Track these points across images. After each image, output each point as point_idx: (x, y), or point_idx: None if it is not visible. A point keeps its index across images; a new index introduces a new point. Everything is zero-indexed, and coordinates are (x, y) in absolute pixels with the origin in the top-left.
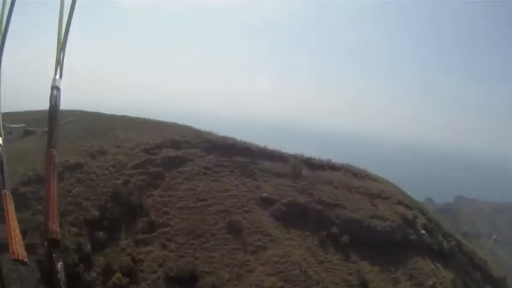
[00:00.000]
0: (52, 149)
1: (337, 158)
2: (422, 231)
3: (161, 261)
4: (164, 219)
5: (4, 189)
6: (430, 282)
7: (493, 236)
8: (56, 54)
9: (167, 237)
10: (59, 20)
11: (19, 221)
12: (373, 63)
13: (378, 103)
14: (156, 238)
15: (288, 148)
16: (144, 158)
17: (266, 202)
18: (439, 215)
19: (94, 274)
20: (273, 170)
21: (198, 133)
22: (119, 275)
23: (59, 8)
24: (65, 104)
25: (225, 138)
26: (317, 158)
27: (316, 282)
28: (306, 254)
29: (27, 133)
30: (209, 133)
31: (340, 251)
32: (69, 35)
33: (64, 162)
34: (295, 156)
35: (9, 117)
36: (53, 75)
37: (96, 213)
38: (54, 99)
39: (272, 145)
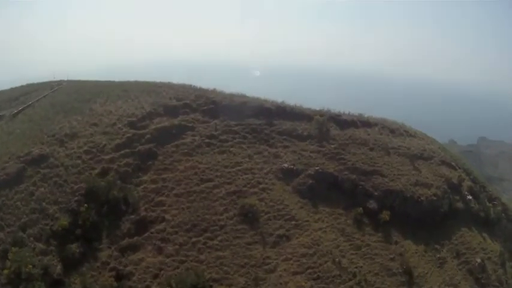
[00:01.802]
0: None
1: (354, 103)
2: (469, 197)
3: (156, 270)
4: (158, 213)
5: None
6: (478, 260)
7: None
8: None
9: (163, 237)
10: None
11: None
12: None
13: (387, 42)
14: (148, 240)
15: (307, 99)
16: (128, 135)
17: (288, 174)
18: (463, 158)
19: None
20: (294, 132)
21: (199, 93)
22: None
23: None
24: None
25: (232, 96)
26: (347, 112)
27: (352, 275)
28: (339, 238)
29: None
30: (213, 91)
31: (379, 230)
32: None
33: (25, 156)
34: (320, 112)
35: None
36: None
37: (67, 220)
38: None
39: (291, 97)
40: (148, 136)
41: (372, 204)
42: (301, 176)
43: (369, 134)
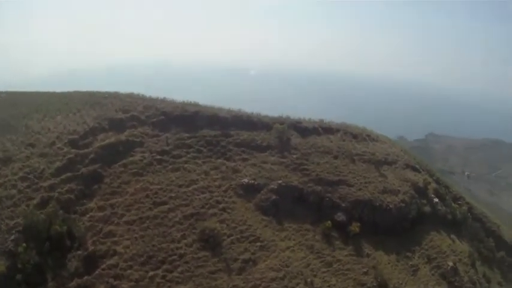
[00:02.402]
0: None
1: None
2: (436, 200)
3: None
4: (108, 246)
5: None
6: (450, 263)
7: (466, 173)
8: None
9: (116, 274)
10: None
11: None
12: None
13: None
14: (99, 278)
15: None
16: (69, 156)
17: (249, 190)
18: (412, 153)
19: None
20: (252, 142)
21: (147, 103)
22: None
23: None
24: None
25: (184, 105)
26: (306, 119)
27: None
28: (308, 256)
29: None
30: (163, 100)
31: (349, 243)
32: None
33: None
34: (280, 120)
35: None
36: None
37: (3, 264)
38: None
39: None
40: (92, 156)
41: (341, 217)
42: (264, 191)
43: (331, 141)
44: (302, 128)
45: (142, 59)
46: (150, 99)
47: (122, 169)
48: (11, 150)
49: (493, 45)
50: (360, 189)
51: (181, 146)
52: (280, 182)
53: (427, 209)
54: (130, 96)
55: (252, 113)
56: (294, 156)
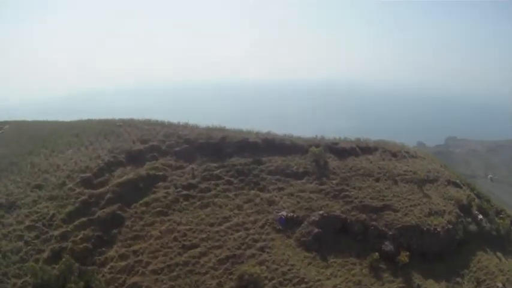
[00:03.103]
0: None
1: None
2: (480, 216)
3: None
4: None
5: None
6: (500, 284)
7: (489, 176)
8: None
9: None
10: None
11: None
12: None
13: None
14: None
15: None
16: (82, 198)
17: (288, 224)
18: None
19: None
20: (287, 169)
21: (168, 130)
22: None
23: None
24: None
25: (209, 130)
26: (342, 138)
27: None
28: None
29: None
30: (185, 126)
31: (398, 274)
32: None
33: None
34: (314, 142)
35: None
36: None
37: None
38: None
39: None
40: (109, 196)
41: (388, 246)
42: (304, 225)
43: (371, 162)
44: (339, 150)
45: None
46: (170, 125)
47: (144, 209)
48: (15, 193)
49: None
50: (406, 214)
51: (209, 178)
52: (321, 212)
53: (472, 227)
54: (148, 122)
55: (284, 136)
56: (334, 181)
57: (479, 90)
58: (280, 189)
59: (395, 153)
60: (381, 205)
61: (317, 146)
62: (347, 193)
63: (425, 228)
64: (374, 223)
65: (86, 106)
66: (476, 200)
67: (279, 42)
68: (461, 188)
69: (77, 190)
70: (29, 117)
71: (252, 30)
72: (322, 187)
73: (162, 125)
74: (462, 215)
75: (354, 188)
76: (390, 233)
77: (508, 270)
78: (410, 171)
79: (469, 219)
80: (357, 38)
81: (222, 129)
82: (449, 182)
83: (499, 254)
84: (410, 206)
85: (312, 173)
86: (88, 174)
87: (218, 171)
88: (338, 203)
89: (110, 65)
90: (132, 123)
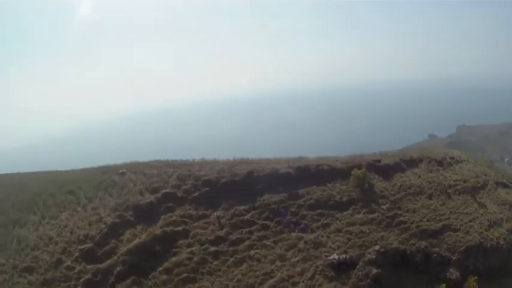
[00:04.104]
0: None
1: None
2: None
3: None
4: None
5: None
6: None
7: (506, 159)
8: None
9: None
10: None
11: None
12: None
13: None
14: None
15: None
16: (86, 277)
17: (341, 268)
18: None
19: None
20: (330, 199)
21: (181, 172)
22: None
23: None
24: None
25: (231, 164)
26: (381, 153)
27: None
28: None
29: None
30: (201, 162)
31: None
32: None
33: None
34: (353, 161)
35: None
36: None
37: None
38: None
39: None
40: (119, 269)
41: (454, 274)
42: (360, 266)
43: (419, 177)
44: (383, 167)
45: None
46: (184, 164)
47: (166, 277)
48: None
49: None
50: (467, 232)
51: (240, 226)
52: (377, 248)
53: None
54: (156, 164)
55: (319, 159)
56: (384, 207)
57: (477, 76)
58: (325, 225)
59: (440, 161)
60: (439, 226)
61: (358, 167)
62: (401, 218)
63: (488, 245)
64: (436, 249)
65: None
66: None
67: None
68: (510, 187)
69: (77, 268)
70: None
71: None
72: (373, 216)
73: (173, 165)
74: None
75: (408, 211)
76: (454, 257)
77: None
78: (461, 179)
79: None
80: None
81: (245, 162)
82: (498, 184)
83: None
84: (469, 221)
85: (358, 201)
86: (89, 245)
87: (249, 214)
88: (393, 232)
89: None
90: (137, 168)
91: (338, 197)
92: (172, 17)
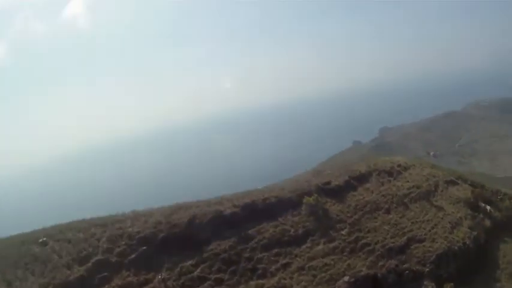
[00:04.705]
0: None
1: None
2: (488, 207)
3: None
4: None
5: None
6: None
7: (431, 153)
8: None
9: None
10: None
11: None
12: None
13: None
14: None
15: None
16: None
17: None
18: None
19: None
20: (285, 235)
21: (111, 231)
22: None
23: None
24: None
25: (166, 213)
26: (328, 174)
27: None
28: None
29: None
30: (134, 216)
31: None
32: None
33: None
34: (301, 188)
35: None
36: None
37: None
38: None
39: None
40: None
41: (429, 286)
42: None
43: (372, 192)
44: (333, 189)
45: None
46: (112, 220)
47: None
48: None
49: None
50: (433, 241)
51: (190, 285)
52: (346, 279)
53: (486, 222)
54: (80, 226)
55: (264, 189)
56: (343, 232)
57: (396, 80)
58: (286, 266)
59: (390, 171)
60: (404, 241)
61: (308, 193)
62: (364, 241)
63: (456, 248)
64: (406, 265)
65: None
66: (477, 190)
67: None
68: (458, 184)
69: None
70: None
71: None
72: (334, 244)
73: (101, 224)
74: (475, 214)
75: (369, 231)
76: (426, 269)
77: None
78: (413, 186)
79: (481, 215)
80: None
81: (183, 207)
82: (447, 183)
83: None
84: (432, 228)
85: (314, 231)
86: None
87: (198, 270)
88: (359, 257)
89: None
90: (59, 234)
91: (292, 230)
92: None
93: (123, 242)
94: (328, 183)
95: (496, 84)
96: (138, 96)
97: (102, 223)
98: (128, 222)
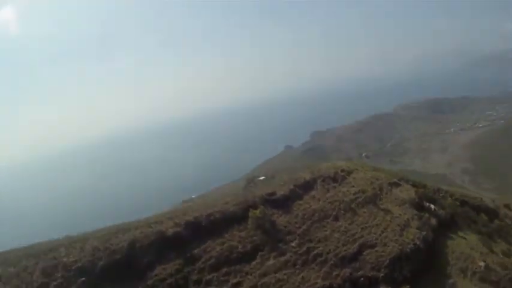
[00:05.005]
0: None
1: None
2: (431, 206)
3: None
4: None
5: None
6: (481, 263)
7: (364, 154)
8: None
9: None
10: None
11: None
12: None
13: None
14: None
15: None
16: None
17: None
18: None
19: None
20: (232, 252)
21: (45, 263)
22: None
23: None
24: None
25: (103, 238)
26: (273, 185)
27: None
28: None
29: None
30: (69, 243)
31: None
32: None
33: None
34: (245, 201)
35: None
36: None
37: None
38: None
39: None
40: None
41: None
42: None
43: (319, 200)
44: (279, 199)
45: None
46: (44, 249)
47: None
48: None
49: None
50: (385, 245)
51: None
52: None
53: (432, 221)
54: (9, 258)
55: (205, 205)
56: (293, 244)
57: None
58: (237, 285)
59: (334, 177)
60: (356, 248)
61: (253, 205)
62: (316, 251)
63: (408, 250)
64: (361, 272)
65: None
66: (420, 190)
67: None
68: (401, 185)
69: None
70: None
71: None
72: (285, 258)
73: (33, 254)
74: (421, 213)
75: (320, 240)
76: (382, 274)
77: (476, 244)
78: (359, 191)
79: (427, 215)
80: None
81: (121, 229)
82: (391, 185)
83: (460, 233)
84: (382, 232)
85: (263, 245)
86: None
87: None
88: (313, 269)
89: None
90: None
91: (240, 246)
92: None
93: (59, 274)
94: (273, 193)
95: (426, 85)
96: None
97: (34, 253)
98: (62, 251)
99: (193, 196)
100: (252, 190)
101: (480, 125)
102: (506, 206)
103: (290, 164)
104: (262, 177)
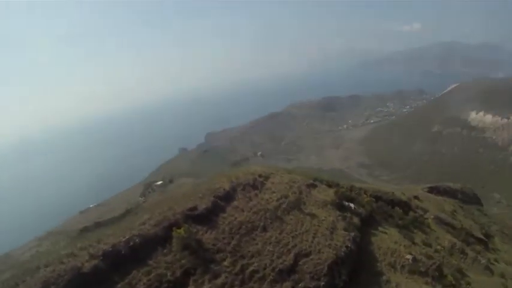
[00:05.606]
0: None
1: None
2: (351, 205)
3: None
4: None
5: None
6: (409, 256)
7: (259, 153)
8: None
9: None
10: None
11: None
12: None
13: None
14: None
15: None
16: None
17: None
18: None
19: None
20: (161, 280)
21: None
22: None
23: None
24: None
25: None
26: (194, 197)
27: None
28: None
29: None
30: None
31: None
32: None
33: None
34: (163, 220)
35: None
36: None
37: None
38: None
39: None
40: None
41: None
42: None
43: (243, 210)
44: (202, 215)
45: None
46: None
47: None
48: None
49: None
50: (319, 251)
51: None
52: None
53: (355, 220)
54: None
55: (119, 228)
56: (226, 262)
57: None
58: None
59: (253, 184)
60: (292, 258)
61: (175, 224)
62: (251, 268)
63: (343, 253)
64: (301, 284)
65: None
66: (340, 190)
67: None
68: (317, 186)
69: None
70: None
71: None
72: (221, 280)
73: None
74: (344, 214)
75: (253, 255)
76: (322, 282)
77: (398, 238)
78: (281, 196)
79: (348, 214)
80: None
81: (28, 270)
82: (309, 186)
83: (381, 229)
84: (313, 238)
85: (194, 268)
86: None
87: None
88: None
89: None
90: None
91: (169, 273)
92: None
93: None
94: (195, 208)
95: (318, 85)
96: None
97: None
98: None
99: (90, 206)
100: (153, 197)
101: (372, 121)
102: (416, 197)
103: (187, 167)
104: (159, 182)
